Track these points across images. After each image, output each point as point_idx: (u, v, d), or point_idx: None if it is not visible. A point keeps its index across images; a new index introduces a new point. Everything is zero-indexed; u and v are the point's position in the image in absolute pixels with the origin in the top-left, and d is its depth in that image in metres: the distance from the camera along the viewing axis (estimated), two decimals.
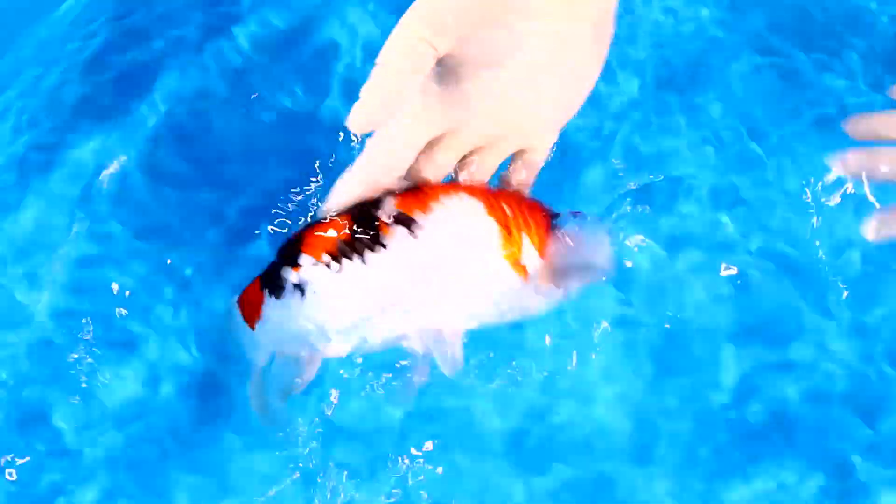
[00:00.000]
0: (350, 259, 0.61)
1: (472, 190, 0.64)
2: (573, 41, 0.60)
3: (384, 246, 0.61)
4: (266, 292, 0.63)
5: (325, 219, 0.62)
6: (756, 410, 0.74)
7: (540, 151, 0.67)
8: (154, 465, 0.74)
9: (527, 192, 0.68)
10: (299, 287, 0.61)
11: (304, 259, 0.61)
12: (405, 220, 0.61)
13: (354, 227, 0.61)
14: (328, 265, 0.61)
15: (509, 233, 0.62)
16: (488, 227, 0.62)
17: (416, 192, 0.62)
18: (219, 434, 0.75)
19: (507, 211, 0.63)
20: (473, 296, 0.62)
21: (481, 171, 0.66)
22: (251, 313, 0.64)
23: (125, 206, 0.80)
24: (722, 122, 0.82)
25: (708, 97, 0.83)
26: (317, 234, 0.61)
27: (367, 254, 0.61)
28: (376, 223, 0.61)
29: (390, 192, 0.62)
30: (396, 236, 0.61)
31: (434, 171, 0.64)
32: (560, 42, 0.59)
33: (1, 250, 0.79)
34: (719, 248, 0.78)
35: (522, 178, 0.67)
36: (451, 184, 0.65)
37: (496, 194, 0.64)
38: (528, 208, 0.64)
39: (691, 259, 0.78)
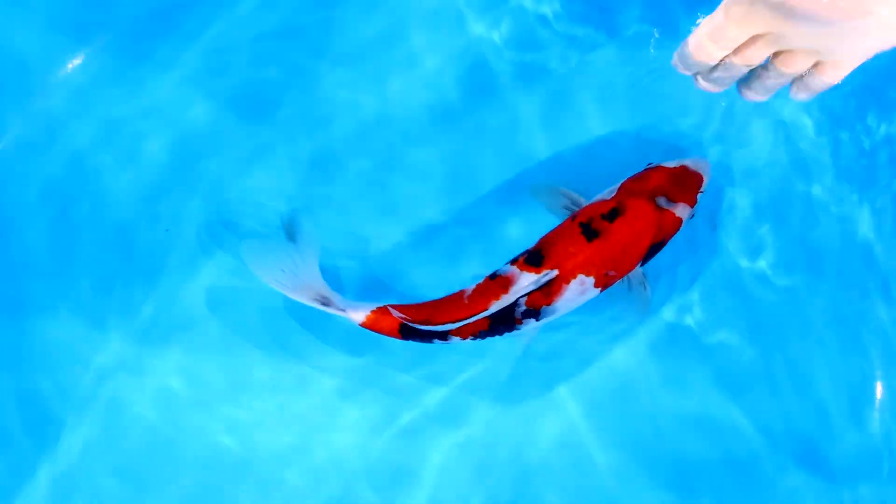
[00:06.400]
0: (491, 337, 0.82)
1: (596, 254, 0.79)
2: None
3: (518, 330, 0.82)
4: (407, 339, 0.82)
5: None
6: None
7: (840, 69, 0.70)
8: None
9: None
10: (445, 343, 0.82)
11: (453, 338, 0.82)
12: (533, 314, 0.81)
13: (493, 323, 0.81)
14: (472, 339, 0.82)
15: (605, 287, 0.82)
16: (595, 293, 0.82)
17: (546, 287, 0.79)
18: None
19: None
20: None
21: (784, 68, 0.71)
22: (380, 331, 0.82)
23: None
24: None
25: None
26: (465, 323, 0.80)
27: (506, 334, 0.82)
28: (513, 320, 0.81)
29: (525, 296, 0.80)
30: (526, 323, 0.81)
31: (741, 60, 0.71)
32: None
33: None
34: None
35: (808, 91, 0.72)
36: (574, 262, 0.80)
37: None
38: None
39: None
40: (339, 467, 0.91)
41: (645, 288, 0.87)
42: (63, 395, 0.91)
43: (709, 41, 0.69)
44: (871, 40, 0.67)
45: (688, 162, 0.84)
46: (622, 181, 0.84)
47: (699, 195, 0.84)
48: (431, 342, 0.83)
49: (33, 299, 0.92)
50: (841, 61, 0.70)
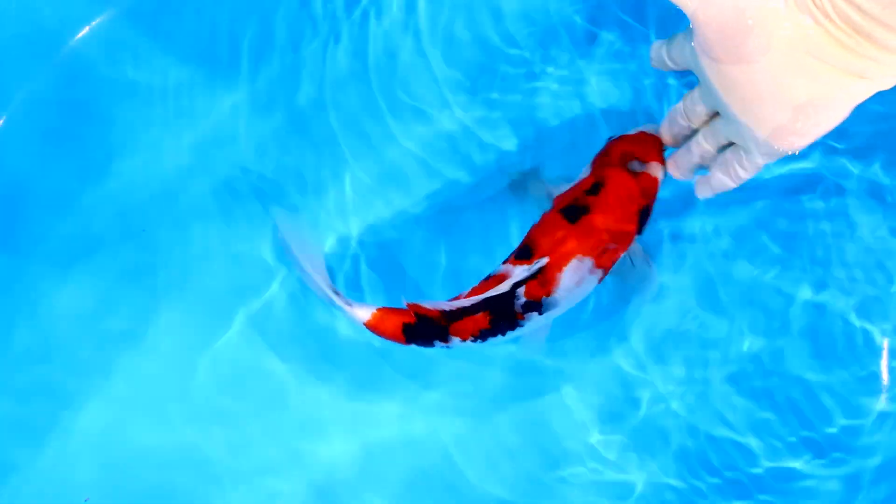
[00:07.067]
0: (494, 337, 0.78)
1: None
2: (817, 74, 0.62)
3: (521, 326, 0.78)
4: (411, 343, 0.79)
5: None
6: None
7: (746, 159, 0.71)
8: None
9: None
10: (447, 347, 0.79)
11: (454, 339, 0.78)
12: (534, 306, 0.77)
13: (493, 319, 0.77)
14: (473, 341, 0.78)
15: (607, 267, 0.79)
16: (596, 277, 0.79)
17: (540, 276, 0.76)
18: None
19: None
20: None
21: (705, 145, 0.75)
22: (383, 333, 0.80)
23: None
24: None
25: None
26: (462, 322, 0.77)
27: (509, 332, 0.78)
28: (514, 314, 0.77)
29: (520, 284, 0.76)
30: (529, 318, 0.77)
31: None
32: (802, 70, 0.62)
33: None
34: None
35: (717, 179, 0.74)
36: (568, 247, 0.77)
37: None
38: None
39: None
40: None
41: (649, 264, 0.84)
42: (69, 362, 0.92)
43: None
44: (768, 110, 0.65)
45: (643, 128, 0.83)
46: (590, 160, 0.83)
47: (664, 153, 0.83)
48: (433, 345, 0.79)
49: (40, 258, 0.92)
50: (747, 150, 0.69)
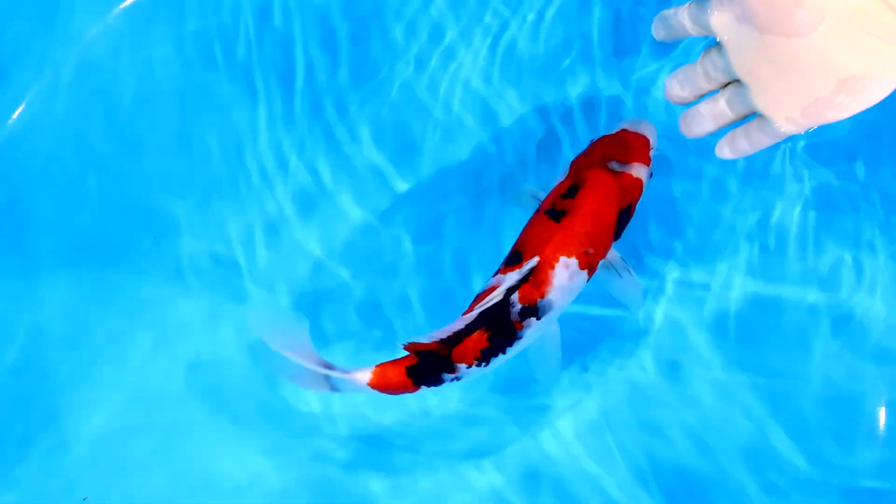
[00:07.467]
0: (496, 356, 0.77)
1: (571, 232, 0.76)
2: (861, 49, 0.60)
3: (521, 338, 0.77)
4: (421, 386, 0.78)
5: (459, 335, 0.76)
6: None
7: (772, 128, 0.68)
8: None
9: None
10: (457, 378, 0.77)
11: (460, 367, 0.77)
12: (532, 312, 0.76)
13: (492, 335, 0.76)
14: (479, 365, 0.77)
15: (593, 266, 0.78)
16: (583, 277, 0.78)
17: (533, 278, 0.75)
18: None
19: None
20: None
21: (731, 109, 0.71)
22: (389, 387, 0.78)
23: None
24: None
25: None
26: (462, 345, 0.75)
27: (508, 349, 0.77)
28: (511, 324, 0.76)
29: (513, 290, 0.75)
30: (528, 325, 0.76)
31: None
32: (844, 46, 0.60)
33: None
34: None
35: (738, 143, 0.71)
36: (553, 248, 0.76)
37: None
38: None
39: None
40: None
41: (631, 272, 0.82)
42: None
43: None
44: (801, 87, 0.63)
45: (626, 125, 0.82)
46: (570, 161, 0.82)
47: (652, 153, 0.81)
48: (441, 381, 0.78)
49: (48, 254, 0.93)
50: (773, 111, 0.67)
